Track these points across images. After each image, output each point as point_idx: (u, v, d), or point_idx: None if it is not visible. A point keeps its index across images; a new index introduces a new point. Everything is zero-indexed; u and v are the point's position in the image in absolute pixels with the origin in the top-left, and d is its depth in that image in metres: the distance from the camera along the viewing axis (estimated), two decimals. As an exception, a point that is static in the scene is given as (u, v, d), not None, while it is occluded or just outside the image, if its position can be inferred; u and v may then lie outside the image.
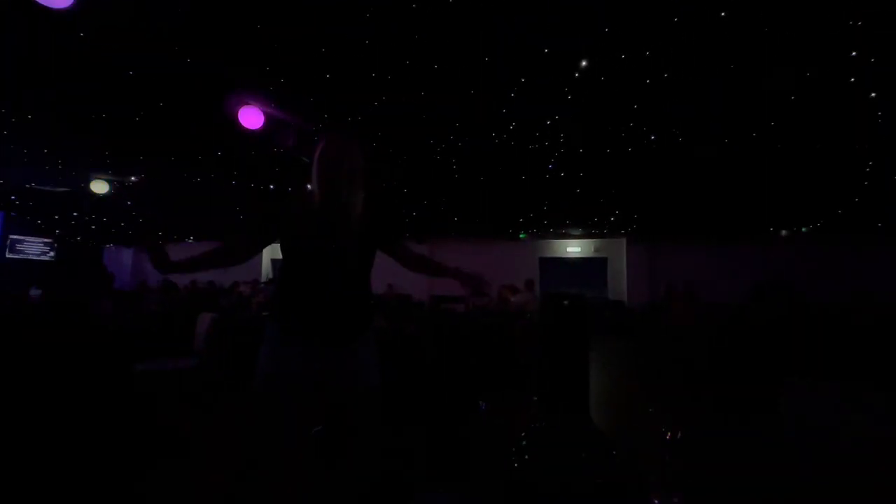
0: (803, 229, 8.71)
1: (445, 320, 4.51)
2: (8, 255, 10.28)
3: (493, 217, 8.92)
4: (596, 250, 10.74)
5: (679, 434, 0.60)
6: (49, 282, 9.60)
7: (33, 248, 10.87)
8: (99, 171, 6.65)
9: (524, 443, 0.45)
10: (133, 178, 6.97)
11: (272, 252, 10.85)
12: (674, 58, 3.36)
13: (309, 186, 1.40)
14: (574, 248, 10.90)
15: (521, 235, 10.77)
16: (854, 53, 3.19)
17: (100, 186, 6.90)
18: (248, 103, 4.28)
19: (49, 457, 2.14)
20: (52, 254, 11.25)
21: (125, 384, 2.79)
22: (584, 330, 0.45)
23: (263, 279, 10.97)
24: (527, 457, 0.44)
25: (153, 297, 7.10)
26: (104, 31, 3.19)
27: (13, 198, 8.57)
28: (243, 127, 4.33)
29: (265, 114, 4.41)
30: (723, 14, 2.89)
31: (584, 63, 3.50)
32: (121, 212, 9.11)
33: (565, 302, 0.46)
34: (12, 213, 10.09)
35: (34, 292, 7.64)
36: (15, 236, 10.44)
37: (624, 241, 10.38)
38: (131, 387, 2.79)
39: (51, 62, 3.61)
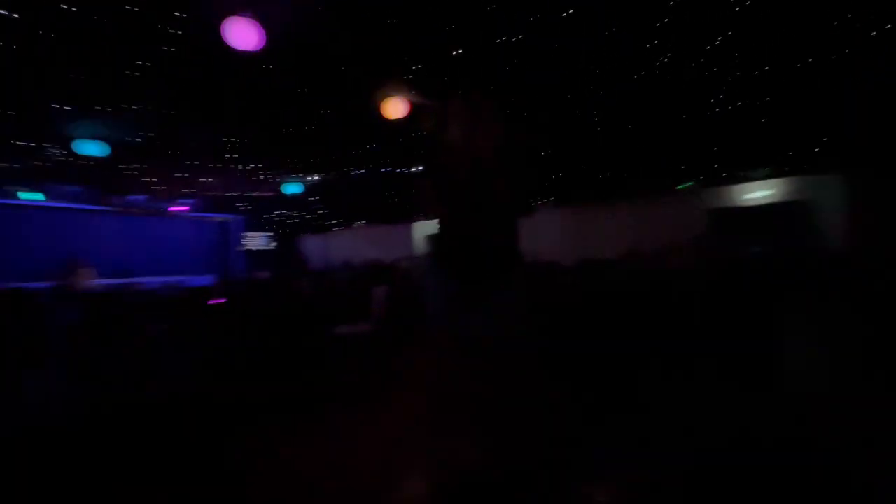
0: None
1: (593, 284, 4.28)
2: (245, 248, 13.83)
3: (646, 170, 7.93)
4: (791, 193, 8.53)
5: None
6: (271, 267, 12.64)
7: (259, 241, 14.36)
8: (291, 175, 8.28)
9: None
10: (315, 178, 8.50)
11: (424, 229, 11.85)
12: None
13: (447, 160, 1.48)
14: (760, 193, 8.88)
15: (683, 186, 9.28)
16: None
17: (293, 188, 8.61)
18: (391, 95, 4.71)
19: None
20: (274, 244, 14.68)
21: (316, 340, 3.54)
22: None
23: (417, 254, 12.17)
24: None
25: (337, 275, 8.61)
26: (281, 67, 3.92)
27: (243, 204, 11.39)
28: (391, 118, 4.80)
29: (408, 101, 4.78)
30: None
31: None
32: (311, 206, 11.24)
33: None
34: (242, 217, 13.43)
35: (261, 273, 10.14)
36: (249, 233, 13.93)
37: (837, 178, 7.96)
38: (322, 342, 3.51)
39: (247, 94, 4.62)
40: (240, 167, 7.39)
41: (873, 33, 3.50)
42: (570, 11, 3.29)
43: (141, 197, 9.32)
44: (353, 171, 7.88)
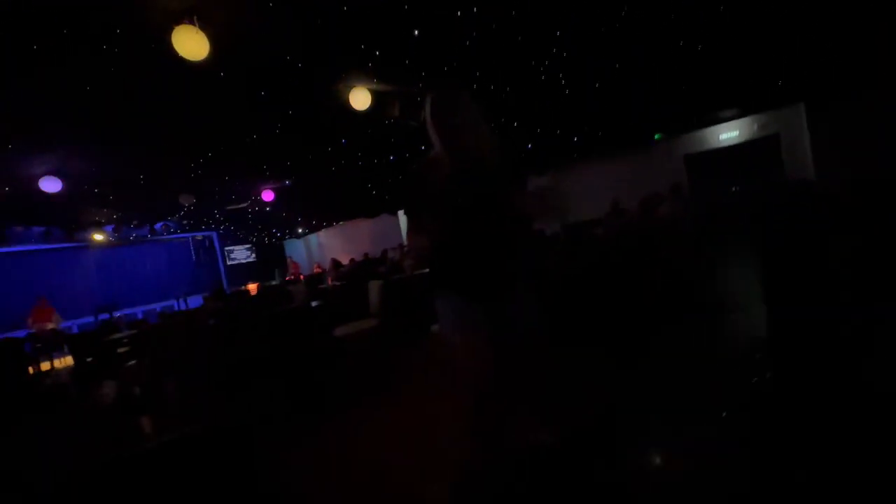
0: None
1: (587, 249, 4.33)
2: (228, 264, 13.48)
3: (617, 126, 7.95)
4: (761, 128, 8.69)
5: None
6: (256, 276, 12.41)
7: (241, 254, 14.01)
8: (265, 183, 8.06)
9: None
10: (287, 182, 8.28)
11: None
12: None
13: (434, 148, 1.42)
14: (729, 133, 9.03)
15: (656, 136, 9.37)
16: None
17: (268, 195, 8.40)
18: (354, 87, 4.58)
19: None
20: (253, 256, 14.32)
21: (328, 343, 3.52)
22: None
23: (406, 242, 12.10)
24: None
25: (328, 275, 8.52)
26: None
27: (219, 218, 11.07)
28: (357, 110, 4.68)
29: (372, 91, 4.66)
30: None
31: None
32: (287, 211, 10.98)
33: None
34: (220, 231, 13.08)
35: (251, 285, 9.96)
36: (228, 248, 13.58)
37: (801, 107, 8.14)
38: (325, 345, 3.49)
39: (198, 107, 4.42)
40: (209, 181, 7.15)
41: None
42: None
43: (109, 227, 9.00)
44: (327, 168, 7.70)
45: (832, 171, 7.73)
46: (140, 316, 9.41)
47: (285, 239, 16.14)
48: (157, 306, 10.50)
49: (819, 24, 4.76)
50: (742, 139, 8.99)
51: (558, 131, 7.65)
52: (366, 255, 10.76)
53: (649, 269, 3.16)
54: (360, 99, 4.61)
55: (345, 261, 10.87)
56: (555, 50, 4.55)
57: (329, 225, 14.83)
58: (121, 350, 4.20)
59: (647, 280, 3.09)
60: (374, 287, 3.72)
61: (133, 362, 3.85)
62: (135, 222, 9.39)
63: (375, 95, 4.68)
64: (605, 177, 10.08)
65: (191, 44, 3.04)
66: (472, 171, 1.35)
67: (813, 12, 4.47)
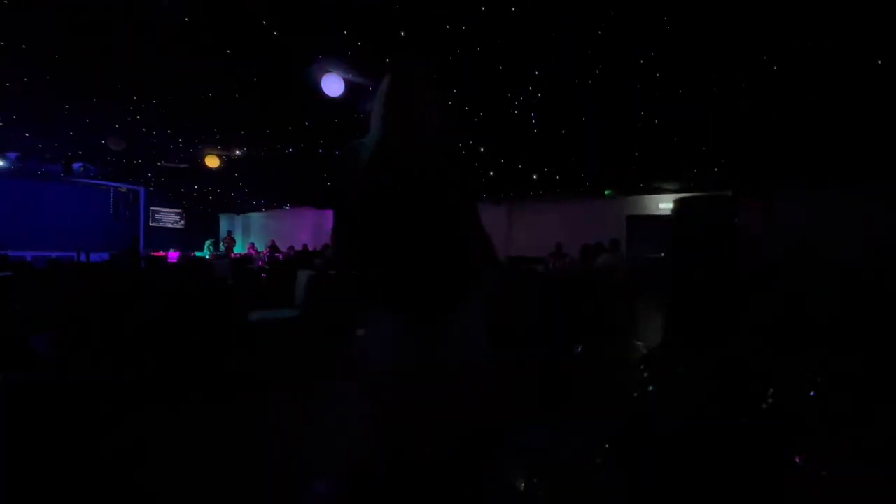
0: None
1: (526, 279, 4.46)
2: (151, 224, 12.27)
3: (574, 173, 8.41)
4: (693, 205, 9.62)
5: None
6: (182, 246, 11.38)
7: (168, 217, 12.83)
8: (211, 146, 7.49)
9: (646, 375, 0.41)
10: (238, 153, 7.77)
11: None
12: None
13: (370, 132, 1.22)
14: (668, 205, 9.90)
15: (607, 192, 10.03)
16: None
17: (212, 161, 7.81)
18: (328, 71, 4.43)
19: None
20: (182, 222, 13.17)
21: (239, 327, 3.26)
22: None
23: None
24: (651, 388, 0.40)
25: (261, 258, 8.02)
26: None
27: (150, 174, 10.09)
28: (325, 95, 4.52)
29: (345, 80, 4.54)
30: None
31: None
32: (231, 182, 10.28)
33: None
34: (150, 188, 11.92)
35: (172, 254, 9.10)
36: (154, 208, 12.38)
37: (730, 194, 9.15)
38: (243, 330, 3.24)
39: (154, 50, 4.05)
40: (146, 131, 6.50)
41: (774, 67, 4.00)
42: (513, 10, 3.32)
43: (12, 154, 7.85)
44: (282, 148, 7.33)
45: (750, 254, 8.69)
46: (28, 259, 8.19)
47: (222, 212, 15.08)
48: (52, 254, 9.22)
49: (756, 121, 5.40)
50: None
51: (520, 166, 7.92)
52: (305, 245, 10.32)
53: (579, 303, 3.34)
54: (333, 85, 4.46)
55: (284, 247, 10.34)
56: (531, 88, 4.74)
57: (273, 207, 14.09)
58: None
59: (574, 310, 3.27)
60: (303, 277, 3.52)
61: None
62: (48, 155, 8.27)
63: (349, 86, 4.57)
64: (552, 219, 10.57)
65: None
66: (417, 156, 1.17)
67: (758, 113, 5.06)
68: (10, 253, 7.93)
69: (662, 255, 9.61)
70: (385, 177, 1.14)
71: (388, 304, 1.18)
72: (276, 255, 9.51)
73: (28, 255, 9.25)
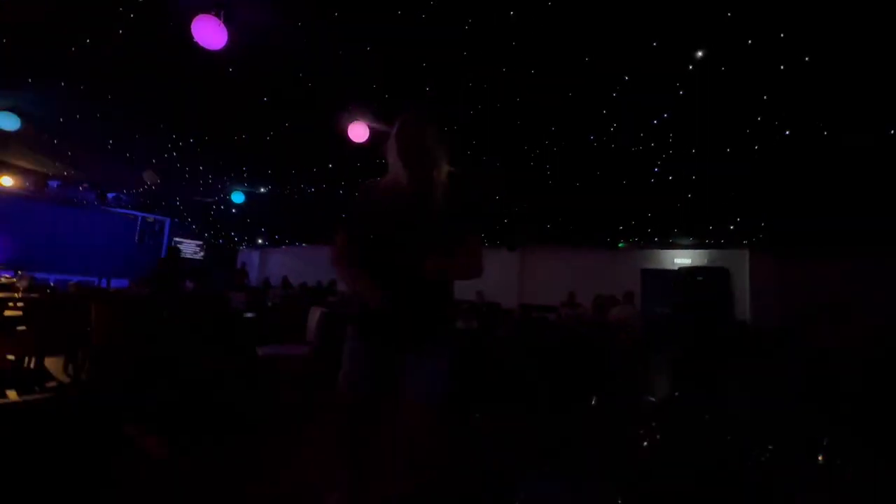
0: None
1: (536, 326, 4.40)
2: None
3: (589, 225, 8.49)
4: (710, 262, 9.54)
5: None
6: (199, 277, 11.59)
7: (190, 248, 13.20)
8: (238, 183, 7.85)
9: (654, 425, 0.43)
10: (262, 190, 8.10)
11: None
12: (818, 35, 2.88)
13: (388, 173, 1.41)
14: (683, 260, 9.83)
15: (620, 245, 10.04)
16: None
17: (237, 196, 8.15)
18: (356, 119, 4.71)
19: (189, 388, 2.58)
20: (201, 254, 13.52)
21: (250, 361, 3.25)
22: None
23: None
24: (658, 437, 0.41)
25: (275, 292, 8.10)
26: (248, 66, 3.79)
27: (178, 205, 10.52)
28: (352, 141, 4.77)
29: (371, 128, 4.80)
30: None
31: (700, 53, 3.17)
32: (253, 218, 10.62)
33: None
34: (175, 220, 12.38)
35: (189, 284, 9.25)
36: (177, 238, 12.78)
37: (746, 252, 9.06)
38: (254, 363, 3.23)
39: (200, 94, 4.39)
40: (181, 166, 6.88)
41: (787, 132, 4.12)
42: (532, 72, 3.55)
43: (54, 182, 8.32)
44: (305, 188, 7.63)
45: (765, 313, 8.47)
46: (52, 282, 8.43)
47: (241, 246, 15.46)
48: (74, 278, 9.48)
49: (775, 183, 5.45)
50: (692, 265, 9.79)
51: (534, 214, 8.05)
52: (319, 282, 10.43)
53: (591, 356, 3.26)
54: (358, 132, 4.72)
55: (296, 283, 10.45)
56: (546, 142, 4.93)
57: (289, 244, 14.40)
58: (10, 314, 3.69)
59: (586, 362, 3.19)
60: (315, 313, 3.55)
61: (23, 328, 3.39)
62: (84, 185, 8.75)
63: (374, 133, 4.82)
64: (565, 268, 10.53)
65: (210, 33, 3.09)
66: (421, 199, 1.31)
67: (773, 173, 5.13)
68: (38, 275, 8.20)
69: (669, 311, 9.46)
70: (394, 199, 1.33)
71: (362, 329, 1.34)
72: (289, 289, 9.60)
73: (51, 277, 9.54)
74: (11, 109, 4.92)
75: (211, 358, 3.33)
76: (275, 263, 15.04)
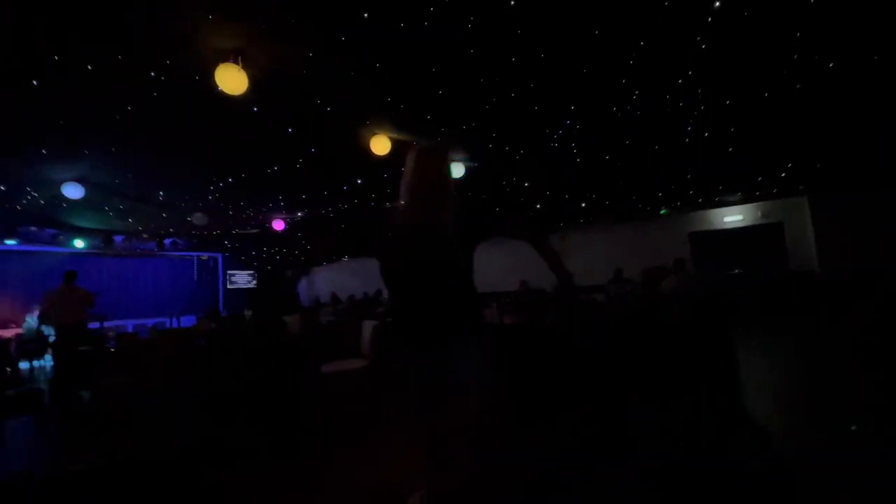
0: None
1: (585, 311, 4.32)
2: (228, 287, 13.46)
3: (625, 197, 8.19)
4: (764, 216, 8.92)
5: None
6: (254, 304, 12.32)
7: (242, 279, 14.03)
8: (278, 212, 8.26)
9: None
10: (300, 214, 8.48)
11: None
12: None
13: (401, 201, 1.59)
14: (733, 217, 9.25)
15: (662, 212, 9.60)
16: None
17: (278, 224, 8.58)
18: (376, 133, 4.83)
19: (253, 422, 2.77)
20: (254, 282, 14.32)
21: (313, 380, 3.45)
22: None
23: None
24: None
25: (325, 310, 8.46)
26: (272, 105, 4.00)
27: (226, 242, 11.21)
28: (375, 154, 4.91)
29: (391, 139, 4.91)
30: None
31: (717, 3, 3.00)
32: (295, 241, 11.13)
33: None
34: (226, 254, 13.20)
35: (247, 313, 9.86)
36: (230, 271, 13.62)
37: (804, 199, 8.40)
38: (318, 382, 3.42)
39: (230, 136, 4.67)
40: (224, 205, 7.34)
41: (830, 65, 3.80)
42: (550, 48, 3.49)
43: (119, 237, 9.12)
44: (339, 206, 7.91)
45: (835, 262, 7.81)
46: (130, 329, 9.27)
47: (288, 269, 16.21)
48: (148, 321, 10.37)
49: (823, 120, 5.04)
50: (745, 224, 9.18)
51: (566, 196, 7.88)
52: (365, 294, 10.74)
53: (648, 340, 3.14)
54: (380, 145, 4.85)
55: (344, 297, 10.83)
56: (569, 122, 4.82)
57: (334, 261, 14.93)
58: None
59: (643, 349, 3.07)
60: (368, 327, 3.70)
61: (116, 375, 3.77)
62: (145, 236, 9.53)
63: (395, 143, 4.93)
64: (607, 245, 10.20)
65: (232, 80, 3.29)
66: (423, 231, 1.46)
67: (819, 110, 4.75)
68: (116, 323, 9.06)
69: (736, 271, 8.91)
70: (402, 230, 1.50)
71: (399, 338, 1.53)
72: (338, 305, 9.98)
73: (128, 324, 10.50)
74: (76, 180, 5.44)
75: (287, 381, 3.55)
76: (321, 280, 15.65)
